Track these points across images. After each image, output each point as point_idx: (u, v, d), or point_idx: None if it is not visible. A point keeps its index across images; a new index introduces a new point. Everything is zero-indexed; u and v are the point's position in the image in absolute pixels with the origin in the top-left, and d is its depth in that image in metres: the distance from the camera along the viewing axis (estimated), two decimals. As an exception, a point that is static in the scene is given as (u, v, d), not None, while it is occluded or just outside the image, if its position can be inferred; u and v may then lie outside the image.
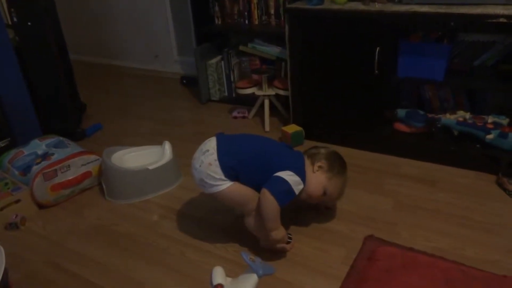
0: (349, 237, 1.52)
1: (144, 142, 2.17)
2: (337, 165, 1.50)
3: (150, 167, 1.82)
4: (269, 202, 1.35)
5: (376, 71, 1.89)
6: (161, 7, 3.28)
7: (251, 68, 2.67)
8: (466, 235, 1.49)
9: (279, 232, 1.40)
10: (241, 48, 2.68)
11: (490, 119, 1.85)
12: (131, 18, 3.51)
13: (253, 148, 1.48)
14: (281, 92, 2.36)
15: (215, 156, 1.39)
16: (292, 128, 2.19)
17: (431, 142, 1.97)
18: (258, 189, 1.41)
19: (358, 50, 1.92)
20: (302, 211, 1.67)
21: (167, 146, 1.92)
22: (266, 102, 2.42)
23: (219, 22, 2.74)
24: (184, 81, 3.23)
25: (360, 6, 1.91)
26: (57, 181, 1.80)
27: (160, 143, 1.98)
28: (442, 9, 1.71)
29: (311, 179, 1.45)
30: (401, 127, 2.04)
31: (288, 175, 1.38)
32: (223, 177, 1.38)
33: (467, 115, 1.92)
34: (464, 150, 1.87)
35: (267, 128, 2.38)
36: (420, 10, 1.74)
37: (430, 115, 1.99)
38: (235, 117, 2.58)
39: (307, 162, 1.49)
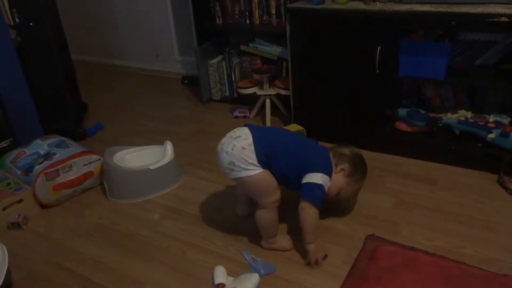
0: (350, 236, 1.52)
1: (145, 141, 2.18)
2: (359, 171, 1.50)
3: (152, 167, 1.83)
4: (311, 215, 1.38)
5: (377, 70, 1.89)
6: (162, 7, 3.28)
7: (252, 68, 2.67)
8: (466, 234, 1.50)
9: (316, 246, 1.41)
10: (242, 47, 2.68)
11: (491, 118, 1.85)
12: (132, 18, 3.51)
13: (286, 140, 1.48)
14: (282, 92, 2.37)
15: (249, 141, 1.38)
16: (293, 128, 2.18)
17: (432, 141, 1.96)
18: (283, 180, 1.43)
19: (359, 49, 1.92)
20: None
21: (169, 146, 1.92)
22: (267, 102, 2.43)
23: (220, 22, 2.74)
24: (186, 81, 3.24)
25: (361, 6, 1.91)
26: (59, 181, 1.81)
27: (161, 142, 1.99)
28: (443, 8, 1.71)
29: (331, 184, 1.46)
30: (402, 126, 2.04)
31: (321, 178, 1.39)
32: (256, 162, 1.37)
33: (468, 114, 1.91)
34: (465, 149, 1.87)
35: (268, 127, 2.39)
36: (421, 9, 1.74)
37: (431, 114, 1.98)
38: (236, 117, 2.59)
39: (332, 161, 1.48)
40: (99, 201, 1.87)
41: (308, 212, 1.37)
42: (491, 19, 1.59)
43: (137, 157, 1.95)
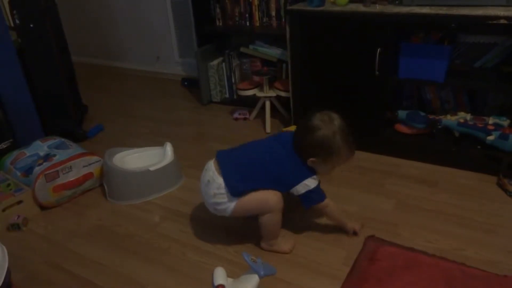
0: (350, 238, 1.52)
1: (145, 143, 2.18)
2: (325, 149, 1.35)
3: (152, 169, 1.83)
4: (328, 210, 1.48)
5: (377, 72, 1.89)
6: (163, 9, 3.29)
7: (252, 70, 2.68)
8: (466, 236, 1.50)
9: (351, 223, 1.52)
10: (242, 49, 2.69)
11: (490, 121, 1.85)
12: (133, 20, 3.52)
13: (257, 160, 1.43)
14: (282, 94, 2.37)
15: (218, 183, 1.39)
16: (293, 129, 2.18)
17: (432, 143, 1.97)
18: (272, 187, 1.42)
19: (359, 51, 1.93)
20: (303, 212, 1.67)
21: (169, 147, 1.92)
22: (267, 104, 2.43)
23: (220, 24, 2.75)
24: (185, 83, 3.24)
25: (360, 8, 1.92)
26: (59, 182, 1.81)
27: (161, 144, 1.99)
28: (443, 11, 1.71)
29: (314, 168, 1.41)
30: (402, 128, 2.05)
31: (308, 183, 1.41)
32: (234, 197, 1.40)
33: (468, 116, 1.92)
34: (465, 151, 1.88)
35: (268, 129, 2.39)
36: (421, 11, 1.75)
37: (431, 116, 1.99)
38: (236, 119, 2.59)
39: (303, 157, 1.40)
40: (99, 203, 1.87)
41: (325, 211, 1.48)
42: (490, 22, 1.59)
43: (137, 159, 1.95)
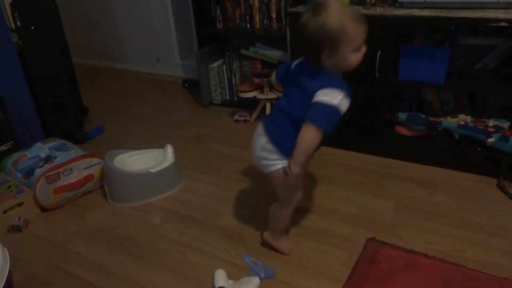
0: (350, 239, 1.53)
1: (146, 145, 2.18)
2: (329, 35, 1.16)
3: (152, 170, 1.83)
4: (307, 135, 1.21)
5: (377, 75, 1.89)
6: (163, 11, 3.30)
7: (252, 72, 2.68)
8: (466, 238, 1.50)
9: (295, 165, 1.24)
10: (243, 51, 2.69)
11: (491, 123, 1.86)
12: (133, 21, 3.53)
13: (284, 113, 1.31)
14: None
15: (266, 138, 1.32)
16: (293, 131, 2.19)
17: (432, 145, 1.97)
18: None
19: (359, 54, 1.93)
20: (303, 213, 1.68)
21: (169, 149, 1.93)
22: (268, 106, 2.43)
23: (221, 26, 2.76)
24: (186, 85, 3.25)
25: (361, 10, 1.92)
26: (59, 184, 1.81)
27: (162, 146, 1.99)
28: (443, 13, 1.72)
29: (339, 66, 1.23)
30: (402, 130, 2.05)
31: (337, 96, 1.19)
32: (279, 155, 1.30)
33: (468, 119, 1.92)
34: (465, 153, 1.88)
35: (268, 131, 2.39)
36: (421, 14, 1.75)
37: (431, 119, 1.99)
38: (237, 120, 2.59)
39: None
40: (99, 204, 1.88)
41: (305, 130, 1.21)
42: (490, 24, 1.60)
43: (137, 160, 1.95)
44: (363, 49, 1.24)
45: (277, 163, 1.32)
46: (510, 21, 1.56)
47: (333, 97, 1.19)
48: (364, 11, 1.90)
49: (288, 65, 1.40)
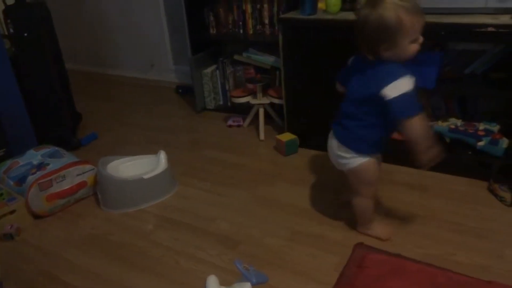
0: (343, 244, 1.53)
1: (139, 151, 2.18)
2: (386, 28, 1.20)
3: (145, 177, 1.83)
4: (415, 127, 1.24)
5: (369, 80, 1.91)
6: (157, 17, 3.31)
7: (245, 77, 2.70)
8: (458, 241, 1.51)
9: (431, 151, 1.28)
10: (236, 57, 2.70)
11: (481, 126, 1.88)
12: (127, 27, 3.53)
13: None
14: (276, 101, 2.38)
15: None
16: (286, 137, 2.20)
17: (423, 149, 1.98)
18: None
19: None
20: (296, 218, 1.68)
21: (162, 155, 1.93)
22: (261, 111, 2.44)
23: (214, 32, 2.77)
24: (180, 90, 3.25)
25: (351, 16, 1.94)
26: (52, 191, 1.81)
27: (155, 151, 1.99)
28: (432, 19, 1.73)
29: (398, 57, 1.26)
30: (394, 134, 2.06)
31: (401, 84, 1.23)
32: (352, 153, 1.42)
33: (459, 122, 1.94)
34: (456, 157, 1.89)
35: (261, 136, 2.40)
36: (411, 19, 1.77)
37: (422, 123, 2.00)
38: (230, 126, 2.60)
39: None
40: (92, 211, 1.87)
41: (409, 126, 1.24)
42: (478, 29, 1.62)
43: (131, 167, 1.95)
44: (420, 39, 1.27)
45: (353, 161, 1.42)
46: (497, 26, 1.58)
47: (401, 87, 1.24)
48: (355, 17, 1.91)
49: (346, 67, 1.50)
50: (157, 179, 1.86)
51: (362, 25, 1.25)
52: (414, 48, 1.26)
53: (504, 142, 1.79)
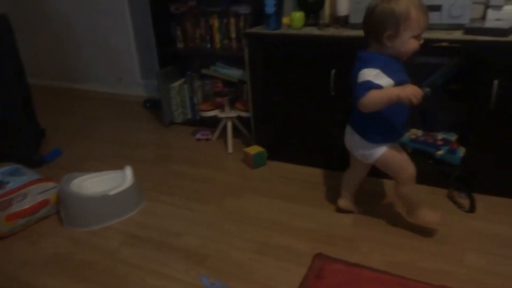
0: (311, 255, 1.54)
1: (106, 166, 2.14)
2: (394, 17, 1.31)
3: (111, 193, 1.80)
4: (367, 101, 1.34)
5: (333, 93, 1.96)
6: (124, 30, 3.29)
7: (213, 91, 2.71)
8: (421, 248, 1.55)
9: (404, 93, 1.31)
10: (204, 71, 2.71)
11: (439, 136, 1.95)
12: (94, 41, 3.49)
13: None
14: (243, 114, 2.40)
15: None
16: (254, 149, 2.22)
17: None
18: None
19: (315, 72, 1.99)
20: (264, 230, 1.69)
21: (128, 171, 1.90)
22: (229, 124, 2.45)
23: (182, 46, 2.78)
24: (148, 104, 3.22)
25: (315, 31, 2.00)
26: (12, 210, 1.74)
27: (122, 167, 1.96)
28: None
29: (397, 49, 1.36)
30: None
31: (362, 74, 1.35)
32: (372, 144, 1.50)
33: (419, 133, 2.01)
34: (418, 166, 1.93)
35: (230, 149, 2.41)
36: (371, 34, 1.84)
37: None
38: (199, 139, 2.59)
39: (375, 47, 1.41)
40: (55, 230, 1.81)
41: (363, 106, 1.35)
42: (433, 44, 1.70)
43: (96, 183, 1.91)
44: (421, 39, 1.37)
45: (374, 153, 1.51)
46: (451, 41, 1.67)
47: (364, 75, 1.35)
48: (318, 31, 1.97)
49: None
50: (123, 195, 1.83)
51: (372, 12, 1.36)
52: (413, 44, 1.35)
53: (461, 151, 1.87)
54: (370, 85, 1.33)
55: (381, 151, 1.51)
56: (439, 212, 1.62)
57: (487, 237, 1.60)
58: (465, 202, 1.78)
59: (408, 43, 1.35)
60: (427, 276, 1.41)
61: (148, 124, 2.92)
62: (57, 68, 3.81)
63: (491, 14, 1.82)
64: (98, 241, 1.72)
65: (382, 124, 1.48)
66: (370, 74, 1.34)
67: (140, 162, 2.34)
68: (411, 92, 1.30)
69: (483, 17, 1.86)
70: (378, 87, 1.34)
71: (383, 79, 1.36)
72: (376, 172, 2.01)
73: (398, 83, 1.37)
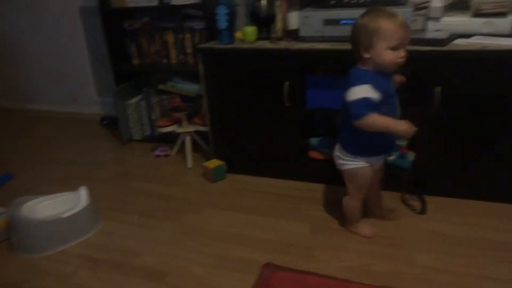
0: (270, 266, 1.56)
1: (61, 189, 2.06)
2: (365, 31, 1.39)
3: (64, 216, 1.74)
4: (368, 124, 1.40)
5: (287, 104, 2.00)
6: (78, 48, 3.22)
7: (170, 106, 2.69)
8: (374, 251, 1.60)
9: (400, 127, 1.41)
10: (161, 86, 2.70)
11: (390, 142, 2.03)
12: (47, 59, 3.39)
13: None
14: (201, 128, 2.40)
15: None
16: (213, 163, 2.22)
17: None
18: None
19: (269, 85, 2.03)
20: (223, 244, 1.69)
21: (83, 191, 1.85)
22: (187, 139, 2.45)
23: (137, 62, 2.75)
24: (105, 122, 3.16)
25: (267, 44, 2.04)
26: (-43, 240, 1.66)
27: (78, 188, 1.91)
28: (339, 46, 1.88)
29: (375, 61, 1.41)
30: (315, 154, 2.17)
31: (354, 92, 1.40)
32: (348, 156, 1.58)
33: (372, 140, 2.08)
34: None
35: (189, 164, 2.40)
36: (320, 47, 1.90)
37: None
38: (158, 156, 2.57)
39: (361, 62, 1.47)
40: (5, 258, 1.73)
41: (364, 123, 1.40)
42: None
43: (49, 206, 1.85)
44: (402, 52, 1.40)
45: (349, 163, 1.58)
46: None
47: (357, 93, 1.40)
48: (270, 45, 2.02)
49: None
50: (78, 217, 1.78)
51: (352, 29, 1.45)
52: (389, 55, 1.38)
53: (411, 156, 1.95)
54: (369, 102, 1.39)
55: (355, 165, 1.57)
56: (377, 228, 1.71)
57: (438, 237, 1.67)
58: (417, 204, 1.86)
59: (383, 54, 1.38)
60: (381, 279, 1.45)
61: (106, 143, 2.86)
62: (8, 88, 3.66)
63: (431, 25, 1.93)
64: (53, 266, 1.66)
65: (366, 142, 1.53)
66: (364, 91, 1.39)
67: (97, 181, 2.28)
68: (407, 129, 1.41)
69: (424, 29, 1.97)
70: (376, 105, 1.40)
71: (373, 93, 1.40)
72: (338, 180, 2.07)
73: (384, 95, 1.42)
